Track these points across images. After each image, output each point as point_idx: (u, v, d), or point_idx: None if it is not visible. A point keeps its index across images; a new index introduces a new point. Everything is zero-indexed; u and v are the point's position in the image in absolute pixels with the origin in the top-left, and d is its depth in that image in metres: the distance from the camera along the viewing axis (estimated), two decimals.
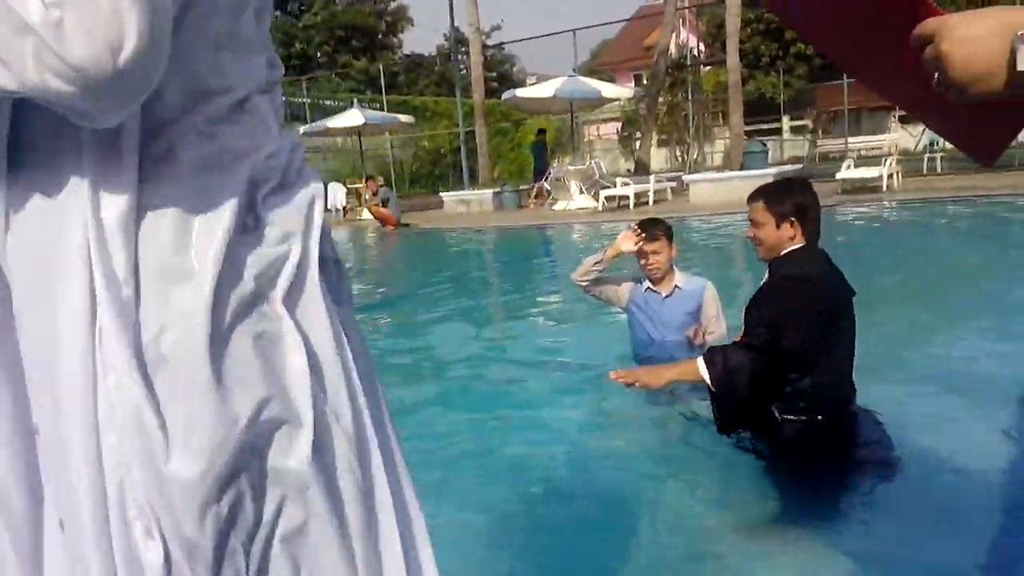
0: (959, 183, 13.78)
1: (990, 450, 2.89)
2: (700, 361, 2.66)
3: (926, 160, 17.16)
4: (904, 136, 26.69)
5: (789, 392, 2.73)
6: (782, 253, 2.81)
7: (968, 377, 3.88)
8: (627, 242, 3.88)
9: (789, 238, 2.80)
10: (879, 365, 3.82)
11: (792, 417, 2.76)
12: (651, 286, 4.04)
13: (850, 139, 22.74)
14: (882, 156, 17.06)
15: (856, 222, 10.92)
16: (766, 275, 2.93)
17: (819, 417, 2.74)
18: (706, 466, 2.99)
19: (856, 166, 14.86)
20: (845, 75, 18.77)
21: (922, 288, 6.41)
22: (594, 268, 4.06)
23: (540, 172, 19.50)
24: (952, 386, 3.78)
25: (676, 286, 4.01)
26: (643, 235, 3.90)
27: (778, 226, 2.79)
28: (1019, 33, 0.83)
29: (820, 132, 29.09)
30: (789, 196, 2.82)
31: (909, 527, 2.45)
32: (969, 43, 0.88)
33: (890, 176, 13.70)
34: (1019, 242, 8.71)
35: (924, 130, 25.24)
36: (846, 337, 2.79)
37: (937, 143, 18.73)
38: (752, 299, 2.82)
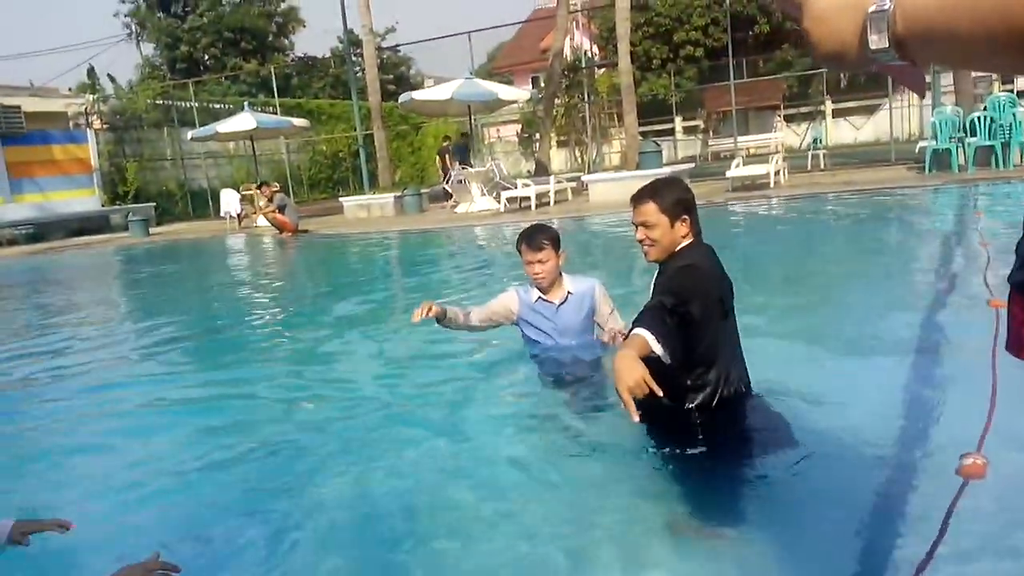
0: (841, 177, 14.53)
1: (867, 416, 3.00)
2: (645, 334, 2.38)
3: (810, 157, 18.04)
4: (789, 134, 28.00)
5: (698, 384, 2.75)
6: (675, 251, 2.80)
7: (849, 345, 4.18)
8: (414, 319, 3.60)
9: (682, 236, 2.80)
10: (771, 345, 3.97)
11: (699, 407, 2.77)
12: (542, 296, 3.91)
13: (739, 138, 23.59)
14: (769, 154, 17.78)
15: (746, 217, 11.33)
16: (655, 275, 2.90)
17: (723, 407, 2.76)
18: (612, 459, 2.98)
19: (745, 164, 15.43)
20: (732, 77, 19.47)
21: (807, 273, 6.70)
22: (463, 325, 3.92)
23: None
24: (835, 355, 4.04)
25: (568, 292, 3.91)
26: (427, 311, 3.62)
27: (672, 225, 2.77)
28: (870, 10, 0.80)
29: (711, 132, 30.12)
30: (676, 193, 2.81)
31: (812, 506, 2.51)
32: (823, 22, 0.87)
33: (777, 173, 14.28)
34: (897, 228, 9.23)
35: (808, 128, 26.54)
36: (734, 327, 2.84)
37: (820, 140, 19.66)
38: (653, 290, 2.79)
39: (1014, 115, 12.35)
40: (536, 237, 3.82)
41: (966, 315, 4.60)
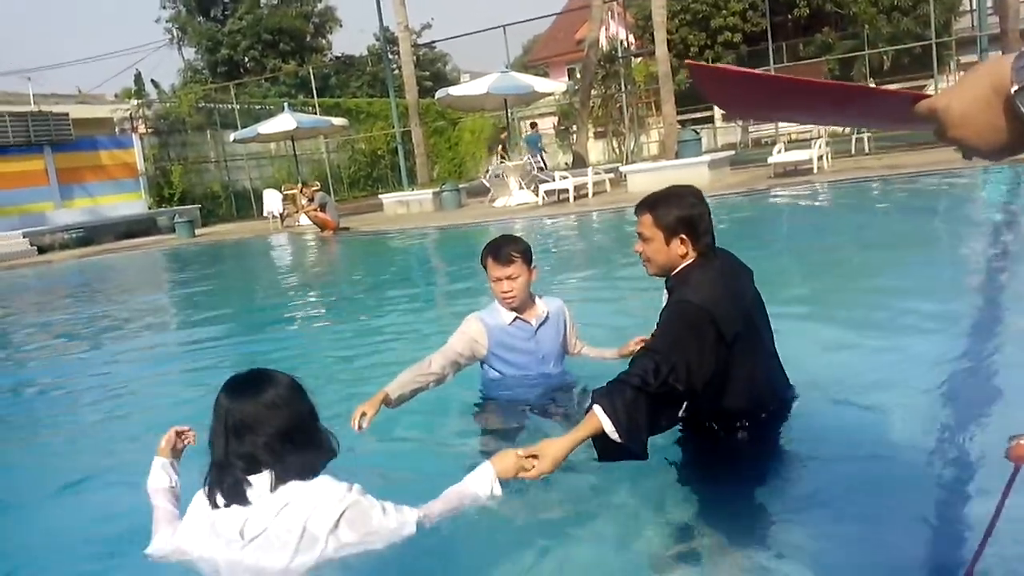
0: (886, 161, 14.20)
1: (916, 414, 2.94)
2: (600, 413, 2.24)
3: (854, 141, 17.65)
4: None
5: (708, 410, 2.58)
6: (676, 271, 2.57)
7: (900, 331, 4.06)
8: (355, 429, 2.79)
9: (681, 255, 2.54)
10: (819, 330, 3.90)
11: (716, 426, 2.63)
12: (519, 315, 3.33)
13: (780, 124, 23.22)
14: (812, 139, 17.46)
15: (789, 204, 11.15)
16: (664, 294, 2.66)
17: (743, 425, 2.61)
18: (630, 477, 2.76)
19: (787, 150, 15.18)
20: (772, 62, 19.16)
21: (855, 259, 6.57)
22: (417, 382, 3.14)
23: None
24: (884, 340, 3.94)
25: (547, 312, 3.39)
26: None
27: (667, 243, 2.54)
28: (1013, 91, 0.80)
29: (751, 118, 29.68)
30: (678, 208, 2.53)
31: (861, 496, 2.47)
32: (969, 122, 0.86)
33: (820, 158, 14.02)
34: (943, 212, 9.01)
35: None
36: (756, 347, 2.56)
37: None
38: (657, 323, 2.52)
39: None
40: (504, 249, 3.26)
41: (1021, 299, 4.49)
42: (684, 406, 2.46)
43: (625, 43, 27.69)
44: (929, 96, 0.91)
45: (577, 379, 3.49)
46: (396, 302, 7.58)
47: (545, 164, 20.10)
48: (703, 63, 1.13)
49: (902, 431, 2.85)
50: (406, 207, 18.15)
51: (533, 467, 2.24)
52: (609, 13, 26.22)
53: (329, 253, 13.66)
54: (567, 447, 2.26)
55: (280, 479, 2.02)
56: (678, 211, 2.52)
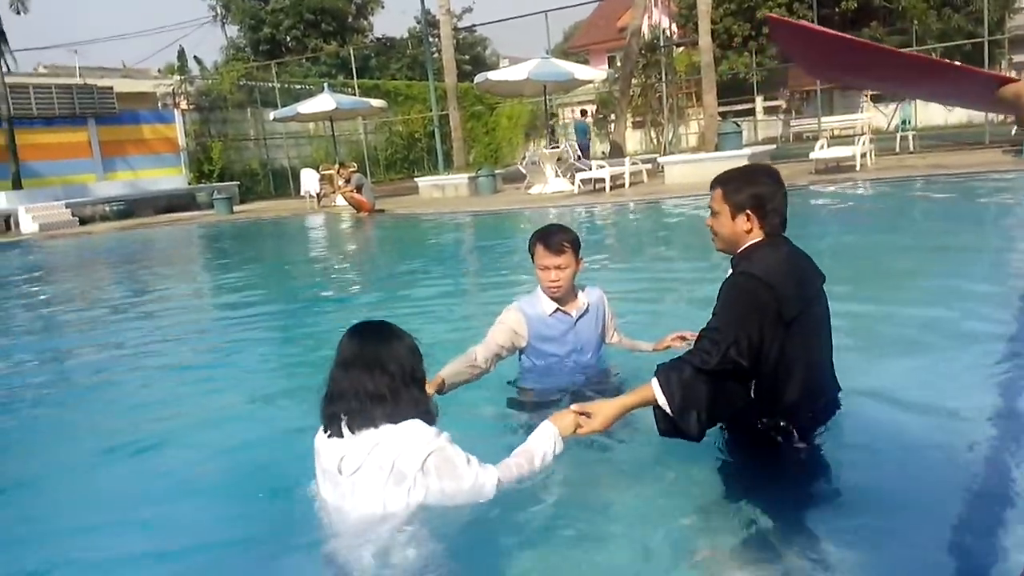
0: (931, 160, 13.90)
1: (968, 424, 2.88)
2: (655, 386, 2.36)
3: (898, 139, 17.30)
4: (877, 115, 26.91)
5: (762, 401, 2.52)
6: (741, 248, 2.57)
7: (940, 338, 3.99)
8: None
9: (746, 231, 2.54)
10: (858, 337, 3.83)
11: (762, 422, 2.56)
12: (559, 308, 3.30)
13: (823, 119, 22.83)
14: (855, 135, 17.13)
15: (830, 201, 10.96)
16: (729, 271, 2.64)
17: (792, 423, 2.54)
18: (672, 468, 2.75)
19: (829, 146, 14.92)
20: None
21: (898, 261, 6.44)
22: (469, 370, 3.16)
23: (582, 149, 20.48)
24: (924, 348, 3.84)
25: (587, 304, 3.36)
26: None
27: (733, 217, 2.54)
28: None
29: (793, 112, 29.21)
30: (748, 186, 2.55)
31: (902, 510, 2.40)
32: None
33: (863, 155, 13.77)
34: (991, 216, 8.79)
35: (896, 109, 25.44)
36: (814, 340, 2.54)
37: (908, 121, 18.84)
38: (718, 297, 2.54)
39: None
40: (556, 238, 3.21)
41: None
42: (744, 394, 2.46)
43: (668, 32, 27.36)
44: (1016, 80, 0.89)
45: (615, 367, 3.49)
46: (429, 283, 7.61)
47: (588, 153, 20.17)
48: (783, 17, 1.07)
49: (947, 446, 2.78)
50: (441, 191, 18.19)
51: (585, 424, 2.39)
52: (652, 1, 25.92)
53: (364, 234, 13.75)
54: (619, 410, 2.41)
55: (390, 417, 2.20)
56: (748, 188, 2.54)
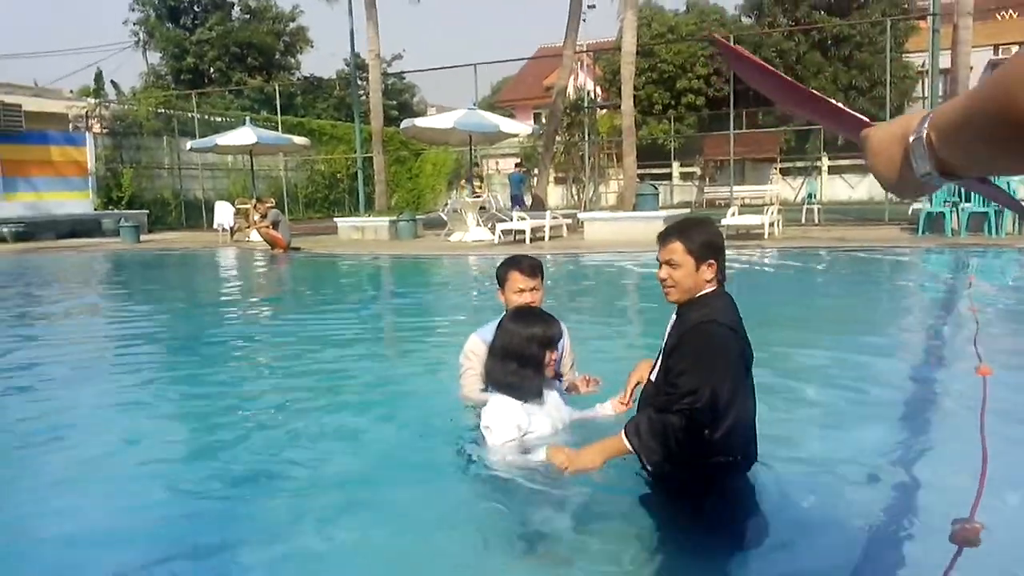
0: (834, 234, 14.61)
1: (864, 457, 2.94)
2: (624, 438, 2.57)
3: (804, 211, 18.17)
4: (785, 188, 28.28)
5: (717, 439, 2.54)
6: (697, 296, 2.65)
7: (836, 407, 4.08)
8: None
9: (707, 280, 2.63)
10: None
11: (715, 460, 2.59)
12: None
13: (735, 188, 23.82)
14: (764, 205, 17.90)
15: (740, 267, 11.33)
16: (673, 317, 2.74)
17: (736, 457, 2.62)
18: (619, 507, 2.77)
19: (740, 213, 15.51)
20: (732, 127, 19.70)
21: (796, 329, 6.65)
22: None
23: (514, 200, 20.88)
24: (821, 417, 3.95)
25: None
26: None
27: (697, 268, 2.61)
28: (911, 139, 0.87)
29: (707, 179, 30.40)
30: (707, 236, 2.64)
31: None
32: (879, 155, 0.94)
33: (772, 224, 14.36)
34: (888, 288, 9.25)
35: (803, 183, 26.79)
36: (749, 385, 2.66)
37: (814, 196, 19.86)
38: (672, 348, 2.61)
39: (1008, 183, 12.48)
40: (528, 262, 3.37)
41: (955, 381, 4.56)
42: (704, 436, 2.51)
43: (592, 94, 28.20)
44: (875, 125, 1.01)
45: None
46: (341, 323, 7.41)
47: (524, 204, 20.28)
48: (726, 42, 1.35)
49: (842, 509, 2.82)
50: (361, 232, 17.99)
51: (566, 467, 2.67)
52: (579, 64, 26.72)
53: (277, 271, 13.39)
54: (597, 460, 2.68)
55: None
56: (707, 237, 2.65)
